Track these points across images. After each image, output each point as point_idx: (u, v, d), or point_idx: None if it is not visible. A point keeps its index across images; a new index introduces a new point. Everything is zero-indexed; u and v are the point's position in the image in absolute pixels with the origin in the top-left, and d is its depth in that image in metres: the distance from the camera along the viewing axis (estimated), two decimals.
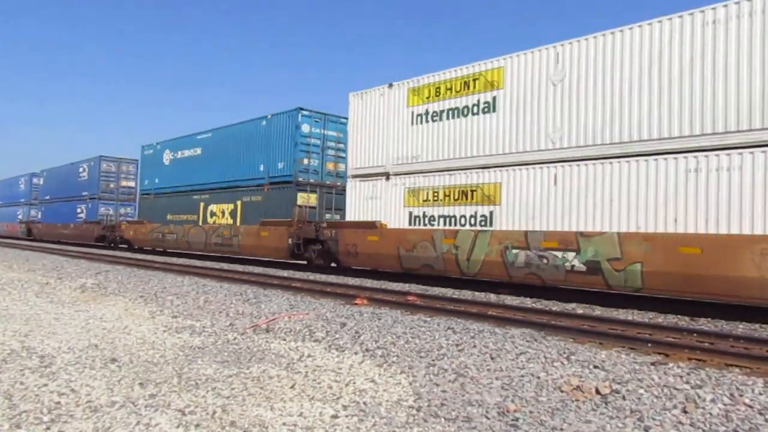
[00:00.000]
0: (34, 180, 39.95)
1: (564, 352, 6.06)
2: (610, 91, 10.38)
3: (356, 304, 9.70)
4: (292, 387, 4.75)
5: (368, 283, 13.52)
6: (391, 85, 14.49)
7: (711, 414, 4.14)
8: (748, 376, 5.24)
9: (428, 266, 13.00)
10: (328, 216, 17.53)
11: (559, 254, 10.56)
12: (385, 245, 13.80)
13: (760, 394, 4.63)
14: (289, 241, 16.66)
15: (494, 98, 12.22)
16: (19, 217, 41.99)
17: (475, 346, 6.31)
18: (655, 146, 9.68)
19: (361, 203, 14.89)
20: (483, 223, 12.14)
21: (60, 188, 34.87)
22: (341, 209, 17.16)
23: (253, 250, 18.55)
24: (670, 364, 5.57)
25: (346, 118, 16.04)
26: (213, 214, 21.06)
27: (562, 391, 4.70)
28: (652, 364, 5.62)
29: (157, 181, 25.31)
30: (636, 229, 9.72)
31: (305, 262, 17.12)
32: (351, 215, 15.17)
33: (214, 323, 7.73)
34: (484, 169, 12.24)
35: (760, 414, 4.15)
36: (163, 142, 25.29)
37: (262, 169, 18.93)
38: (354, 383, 4.90)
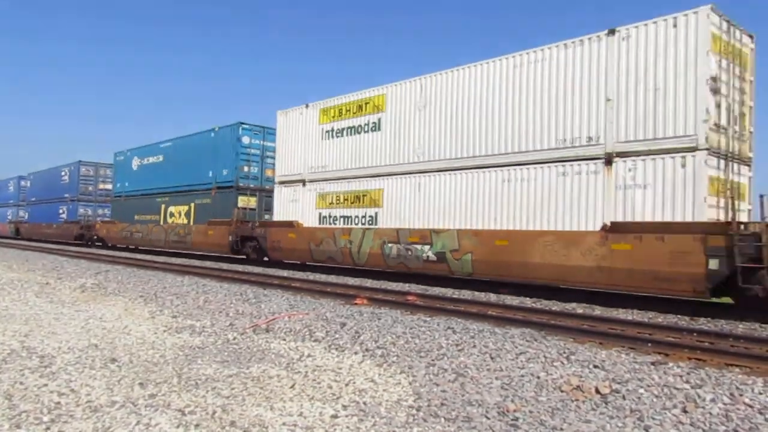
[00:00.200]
0: (22, 183, 42.39)
1: (564, 352, 6.06)
2: (454, 117, 13.09)
3: (356, 304, 9.70)
4: (292, 387, 4.75)
5: (368, 283, 13.54)
6: (307, 106, 17.11)
7: (711, 413, 4.14)
8: (748, 375, 5.24)
9: (331, 258, 15.62)
10: (267, 217, 19.50)
11: (419, 247, 13.26)
12: (300, 241, 16.45)
13: (760, 393, 4.64)
14: (230, 238, 19.08)
15: (379, 119, 14.91)
16: (9, 217, 44.46)
17: (474, 346, 6.31)
18: (482, 161, 12.41)
19: (285, 205, 17.63)
20: (370, 222, 14.83)
21: (44, 190, 37.23)
22: None
23: (202, 246, 21.10)
24: (670, 364, 5.57)
25: None
26: (172, 214, 23.59)
27: (562, 391, 4.70)
28: (652, 363, 5.62)
29: (127, 184, 27.82)
30: (469, 227, 12.43)
31: (245, 257, 19.42)
32: (277, 216, 17.89)
33: (214, 323, 7.73)
34: (371, 177, 14.95)
35: (760, 413, 4.15)
36: (132, 149, 27.79)
37: (210, 175, 21.34)
38: (354, 383, 4.90)
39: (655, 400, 4.47)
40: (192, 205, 22.28)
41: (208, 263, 19.22)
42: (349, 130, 15.74)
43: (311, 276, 14.85)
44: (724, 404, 4.35)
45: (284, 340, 6.73)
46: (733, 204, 9.14)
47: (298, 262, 17.94)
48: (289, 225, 17.01)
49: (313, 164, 16.77)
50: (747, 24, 10.32)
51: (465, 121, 12.82)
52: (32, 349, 5.90)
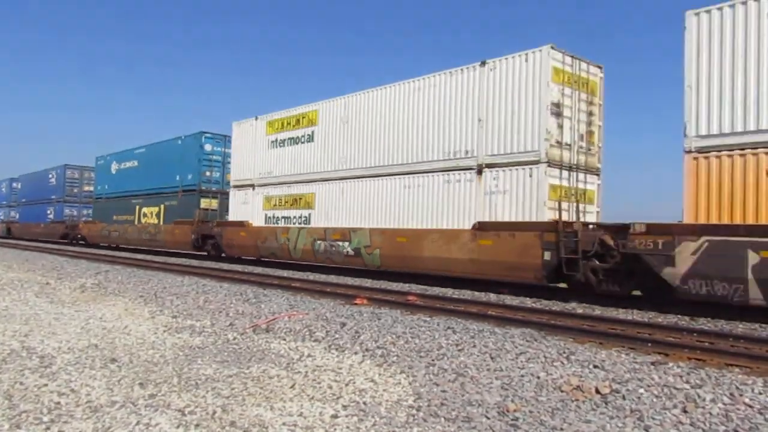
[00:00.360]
0: (14, 184, 44.46)
1: (564, 352, 6.06)
2: (369, 131, 15.11)
3: (356, 303, 9.70)
4: (292, 387, 4.75)
5: (368, 282, 13.55)
6: (257, 118, 19.19)
7: (711, 413, 4.14)
8: (747, 375, 5.24)
9: (273, 254, 17.79)
10: (227, 217, 21.14)
11: (341, 243, 15.14)
12: (250, 238, 18.54)
13: (760, 393, 4.64)
14: (192, 236, 21.18)
15: (313, 132, 16.97)
16: (1, 217, 46.89)
17: (474, 346, 6.31)
18: (389, 170, 14.42)
19: (238, 207, 19.84)
20: (305, 222, 16.90)
21: (34, 192, 39.37)
22: None
23: (169, 244, 23.19)
24: (670, 364, 5.57)
25: None
26: (145, 215, 25.50)
27: (562, 391, 4.70)
28: (652, 363, 5.62)
29: (106, 187, 29.73)
30: (378, 226, 14.37)
31: (205, 253, 21.49)
32: (232, 216, 20.15)
33: (214, 323, 7.73)
34: (306, 183, 17.03)
35: (760, 413, 4.15)
36: (111, 154, 29.66)
37: (177, 179, 23.29)
38: (354, 383, 4.90)
39: (655, 400, 4.47)
40: (162, 206, 24.16)
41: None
42: (289, 140, 17.88)
43: (311, 276, 14.86)
44: (724, 404, 4.35)
45: (284, 340, 6.73)
46: (577, 207, 11.15)
47: (252, 258, 20.03)
48: (241, 224, 19.19)
49: (261, 170, 18.89)
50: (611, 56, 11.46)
51: (377, 135, 14.86)
52: (32, 349, 5.90)
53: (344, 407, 4.24)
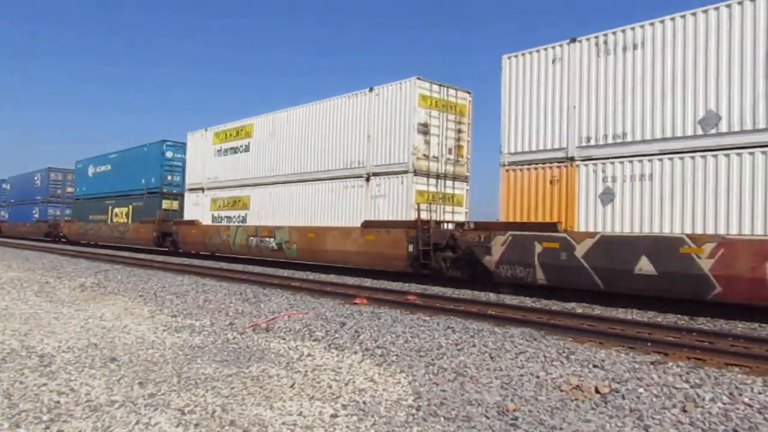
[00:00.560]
0: (4, 185, 46.78)
1: (563, 352, 6.07)
2: (290, 143, 17.83)
3: (356, 303, 9.70)
4: (291, 386, 4.75)
5: (368, 282, 13.55)
6: (206, 129, 22.10)
7: (710, 413, 4.14)
8: (747, 375, 5.25)
9: (218, 249, 20.61)
10: (183, 217, 23.38)
11: (268, 239, 17.58)
12: (199, 236, 21.30)
13: (760, 393, 4.64)
14: (154, 234, 23.69)
15: (249, 143, 19.66)
16: None
17: (474, 346, 6.31)
18: (303, 177, 17.14)
19: (191, 208, 22.65)
20: (242, 221, 19.56)
21: (21, 193, 42.08)
22: None
23: (135, 241, 25.75)
24: (670, 364, 5.57)
25: None
26: (116, 215, 27.98)
27: (561, 391, 4.70)
28: (652, 363, 5.63)
29: (84, 189, 32.06)
30: (295, 224, 16.91)
31: (166, 249, 24.03)
32: (186, 216, 22.84)
33: (213, 322, 7.73)
34: (243, 187, 19.76)
35: (760, 413, 4.16)
36: (88, 158, 32.01)
37: (143, 182, 25.75)
38: (353, 382, 4.90)
39: (654, 399, 4.47)
40: (131, 206, 26.69)
41: (206, 262, 19.26)
42: (231, 150, 20.68)
43: (311, 275, 14.87)
44: (724, 404, 4.35)
45: (284, 339, 6.73)
46: (430, 207, 13.94)
47: (202, 252, 23.00)
48: (192, 223, 21.95)
49: (209, 175, 21.68)
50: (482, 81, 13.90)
51: (295, 147, 17.60)
52: (32, 349, 5.90)
53: (344, 407, 4.24)
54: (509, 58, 12.06)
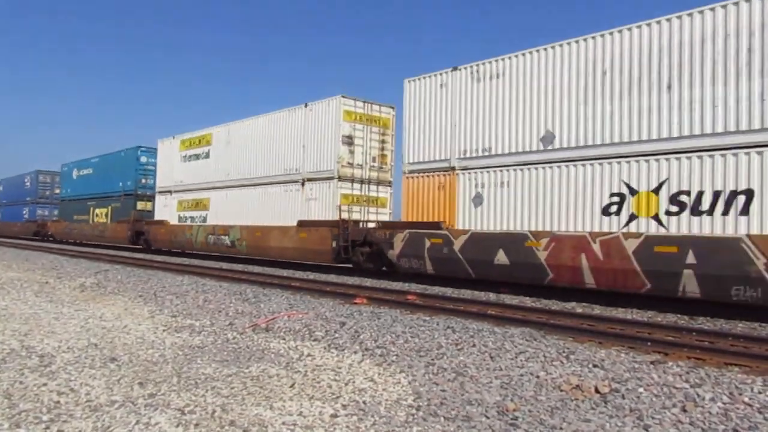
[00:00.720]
0: None
1: (563, 351, 6.06)
2: (242, 151, 20.08)
3: (356, 303, 9.69)
4: (291, 386, 4.75)
5: (367, 282, 13.55)
6: (174, 137, 24.22)
7: (710, 413, 4.14)
8: (747, 374, 5.25)
9: (182, 246, 22.93)
10: (154, 217, 25.57)
11: (223, 237, 19.83)
12: (167, 234, 23.53)
13: (760, 392, 4.64)
14: (128, 233, 25.94)
15: (209, 150, 22.04)
16: None
17: (474, 345, 6.31)
18: (253, 181, 19.35)
19: (161, 209, 24.90)
20: (203, 221, 21.78)
21: (12, 194, 44.41)
22: None
23: (112, 239, 27.95)
24: (670, 363, 5.57)
25: None
26: (97, 215, 30.19)
27: (561, 390, 4.70)
28: (652, 363, 5.63)
29: (69, 190, 34.14)
30: (246, 224, 19.01)
31: (140, 247, 26.01)
32: (157, 216, 25.04)
33: (213, 322, 7.72)
34: (204, 190, 22.04)
35: (760, 413, 4.16)
36: (73, 162, 34.03)
37: (120, 185, 28.04)
38: (353, 382, 4.90)
39: (654, 399, 4.47)
40: (110, 207, 28.85)
41: (206, 262, 19.29)
42: (194, 156, 22.95)
43: (311, 275, 14.88)
44: (724, 403, 4.35)
45: (284, 339, 6.73)
46: (349, 208, 15.92)
47: (169, 249, 25.06)
48: (161, 223, 24.16)
49: (176, 179, 23.88)
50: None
51: (246, 154, 19.80)
52: (32, 349, 5.90)
53: (344, 406, 4.24)
54: (410, 81, 14.04)
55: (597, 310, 9.56)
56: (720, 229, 8.83)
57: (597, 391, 4.64)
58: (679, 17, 9.49)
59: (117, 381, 4.79)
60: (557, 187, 10.87)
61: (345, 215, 15.48)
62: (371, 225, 15.63)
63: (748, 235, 8.41)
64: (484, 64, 12.41)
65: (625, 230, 9.83)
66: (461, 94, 12.82)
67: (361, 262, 14.94)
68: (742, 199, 8.67)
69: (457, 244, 12.17)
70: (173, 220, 23.68)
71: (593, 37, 10.65)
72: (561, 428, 3.86)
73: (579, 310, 9.36)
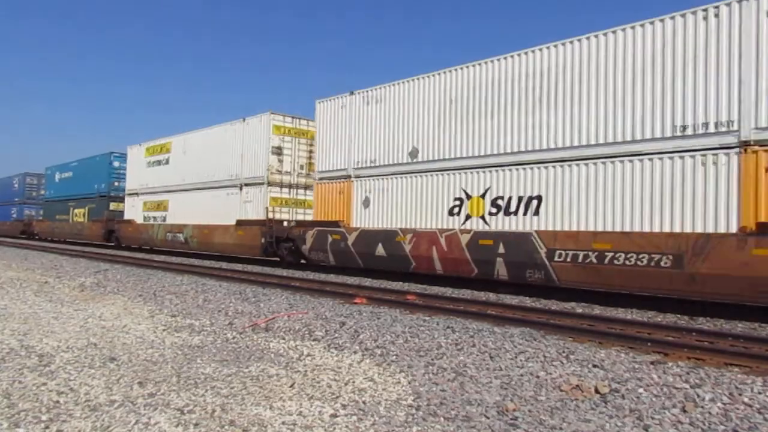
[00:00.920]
0: None
1: (563, 351, 6.06)
2: (195, 158, 22.55)
3: (355, 303, 9.69)
4: (291, 386, 4.75)
5: (367, 282, 13.55)
6: (140, 144, 26.85)
7: (710, 413, 4.14)
8: (747, 375, 5.24)
9: (146, 243, 25.57)
10: (124, 217, 28.11)
11: (179, 234, 22.39)
12: (134, 232, 26.27)
13: (760, 392, 4.63)
14: (102, 231, 28.61)
15: (169, 157, 24.60)
16: None
17: (474, 345, 6.31)
18: (204, 185, 21.84)
19: (130, 209, 27.48)
20: (163, 220, 24.25)
21: (1, 195, 46.79)
22: None
23: (88, 236, 30.68)
24: (670, 363, 5.57)
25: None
26: (76, 215, 32.82)
27: (561, 390, 4.70)
28: (652, 363, 5.62)
29: (52, 192, 36.76)
30: (196, 223, 21.55)
31: (113, 244, 28.58)
32: (126, 216, 27.56)
33: (213, 322, 7.72)
34: (164, 192, 24.51)
35: (759, 413, 4.16)
36: (56, 165, 36.63)
37: (95, 187, 30.73)
38: (353, 382, 4.90)
39: (654, 399, 4.47)
40: (87, 208, 31.43)
41: (206, 262, 19.31)
42: (156, 162, 25.47)
43: (311, 275, 14.88)
44: (724, 404, 4.35)
45: (283, 339, 6.72)
46: (272, 210, 18.54)
47: (137, 246, 27.29)
48: (129, 222, 26.82)
49: (141, 183, 26.45)
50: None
51: (198, 162, 22.27)
52: (31, 348, 5.89)
53: (343, 406, 4.24)
54: (320, 102, 16.52)
55: (597, 310, 9.55)
56: (522, 226, 11.40)
57: (597, 391, 4.64)
58: (499, 59, 12.11)
59: (116, 381, 4.79)
60: (420, 193, 13.46)
61: (272, 215, 18.02)
62: (294, 224, 17.70)
63: (536, 231, 10.96)
64: (372, 90, 14.92)
65: (461, 227, 12.41)
66: (356, 115, 15.33)
67: (284, 255, 17.35)
68: (534, 203, 11.27)
69: (351, 239, 14.69)
70: (139, 220, 26.22)
71: (445, 72, 13.17)
72: (561, 428, 3.86)
73: (579, 310, 9.36)
